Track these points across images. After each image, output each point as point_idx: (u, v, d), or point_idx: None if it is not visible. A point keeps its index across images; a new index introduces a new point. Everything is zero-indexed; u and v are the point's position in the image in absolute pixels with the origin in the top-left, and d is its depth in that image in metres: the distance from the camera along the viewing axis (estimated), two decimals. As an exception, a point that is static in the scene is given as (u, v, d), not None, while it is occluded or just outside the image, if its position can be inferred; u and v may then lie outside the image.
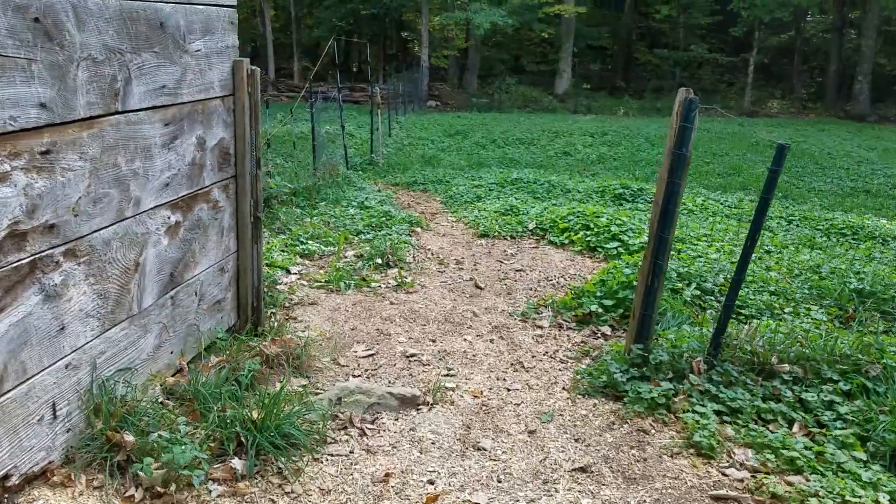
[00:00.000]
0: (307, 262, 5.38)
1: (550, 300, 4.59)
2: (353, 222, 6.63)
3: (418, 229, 6.65)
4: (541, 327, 4.22)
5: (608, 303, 4.37)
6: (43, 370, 2.14)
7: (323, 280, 4.82)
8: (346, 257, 5.47)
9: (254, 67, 3.31)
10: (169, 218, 2.80)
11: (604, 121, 23.07)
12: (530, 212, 7.00)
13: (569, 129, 19.21)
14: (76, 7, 2.12)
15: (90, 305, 2.34)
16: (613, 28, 33.68)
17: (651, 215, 3.33)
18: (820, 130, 22.08)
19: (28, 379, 2.08)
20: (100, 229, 2.36)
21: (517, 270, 5.33)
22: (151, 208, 2.66)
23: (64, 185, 2.16)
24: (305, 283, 4.81)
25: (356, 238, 6.10)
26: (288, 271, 5.03)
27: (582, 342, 4.00)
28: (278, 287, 4.51)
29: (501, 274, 5.24)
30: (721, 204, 8.98)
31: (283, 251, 5.45)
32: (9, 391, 2.02)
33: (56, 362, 2.20)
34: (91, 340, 2.36)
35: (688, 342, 3.48)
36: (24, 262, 2.03)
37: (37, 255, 2.07)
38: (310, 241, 5.71)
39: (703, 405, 3.04)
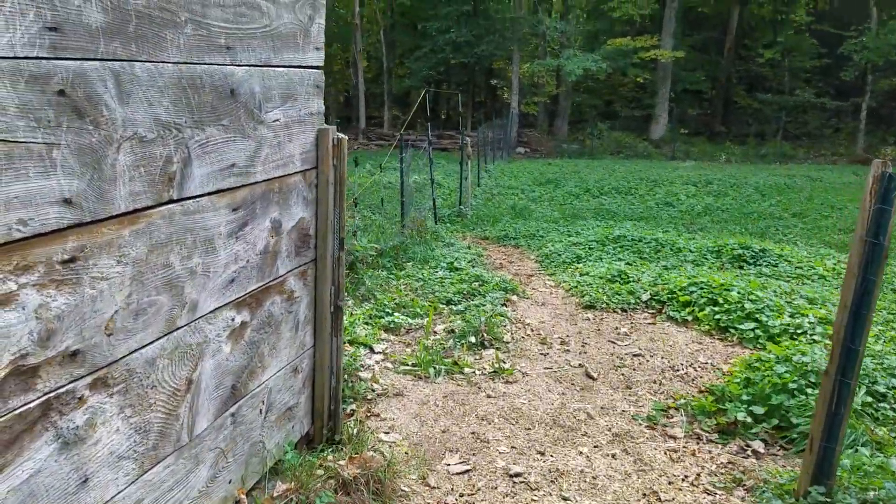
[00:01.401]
0: (393, 337, 4.85)
1: (682, 400, 3.83)
2: (443, 287, 6.09)
3: (514, 297, 6.02)
4: (673, 438, 3.47)
5: (758, 410, 3.56)
6: (56, 540, 1.64)
7: (410, 363, 4.26)
8: (435, 333, 4.90)
9: (340, 136, 2.83)
10: (233, 319, 2.31)
11: (705, 168, 21.86)
12: (642, 278, 6.24)
13: (668, 176, 18.21)
14: (119, 75, 1.67)
15: (124, 445, 1.84)
16: (711, 72, 32.44)
17: (835, 319, 2.58)
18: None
19: (34, 556, 1.59)
20: (142, 347, 1.88)
21: (634, 355, 4.58)
22: (211, 311, 2.18)
23: (94, 300, 1.69)
24: (390, 365, 4.26)
25: (446, 308, 5.54)
26: (372, 349, 4.51)
27: (729, 463, 3.21)
28: (360, 374, 3.98)
29: (616, 359, 4.51)
30: (858, 269, 7.88)
31: (367, 324, 4.95)
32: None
33: (75, 526, 1.70)
34: (124, 489, 1.86)
35: (881, 486, 2.66)
36: (32, 405, 1.55)
37: (51, 394, 1.59)
38: (396, 313, 5.19)
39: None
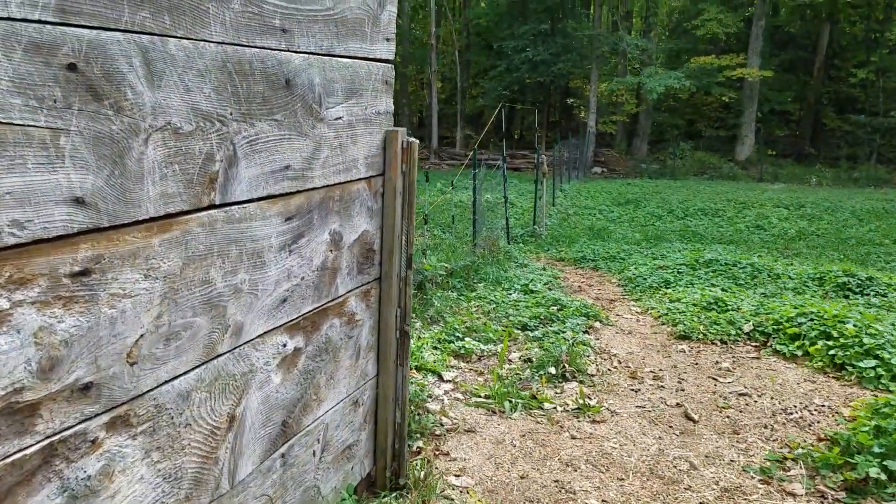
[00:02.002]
0: (463, 364, 4.48)
1: (799, 449, 3.28)
2: (517, 311, 5.68)
3: (596, 323, 5.54)
4: (793, 495, 2.94)
5: (894, 466, 2.99)
6: None
7: (482, 394, 3.87)
8: (510, 361, 4.49)
9: (411, 139, 2.51)
10: (285, 346, 2.00)
11: (795, 191, 20.60)
12: (742, 306, 5.64)
13: (757, 198, 17.19)
14: (147, 52, 1.39)
15: (149, 497, 1.54)
16: (800, 92, 30.87)
17: None
18: None
19: None
20: (174, 378, 1.58)
21: (740, 394, 4.03)
22: (259, 336, 1.87)
23: (113, 322, 1.40)
24: (461, 396, 3.88)
25: (521, 334, 5.13)
26: (441, 377, 4.15)
27: (867, 534, 2.67)
28: (428, 405, 3.62)
29: (719, 399, 3.98)
30: None
31: (435, 348, 4.60)
32: None
33: None
34: (147, 549, 1.56)
35: None
36: (30, 450, 1.26)
37: (55, 437, 1.30)
38: (467, 338, 4.82)
39: None
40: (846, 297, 7.00)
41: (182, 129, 1.52)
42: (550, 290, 6.69)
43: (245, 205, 1.76)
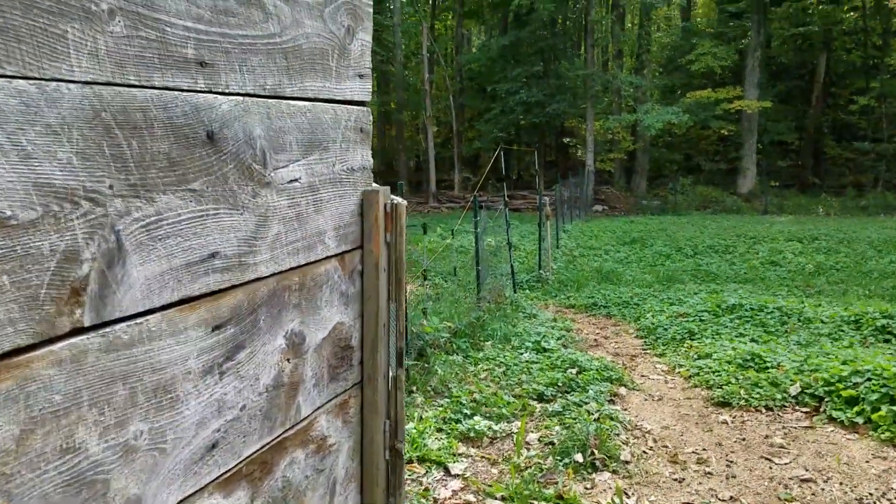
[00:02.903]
0: (473, 450, 3.84)
1: (896, 564, 2.64)
2: (531, 376, 5.07)
3: (622, 389, 4.92)
4: None
5: None
6: None
7: (499, 495, 3.23)
8: (528, 445, 3.86)
9: (397, 200, 1.96)
10: (218, 509, 1.40)
11: (804, 222, 20.08)
12: (783, 363, 5.02)
13: (767, 232, 16.65)
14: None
15: None
16: (799, 122, 30.68)
17: None
18: None
19: None
20: None
21: (803, 480, 3.39)
22: (174, 505, 1.27)
23: None
24: (473, 498, 3.24)
25: (538, 406, 4.50)
26: (447, 471, 3.52)
27: None
28: (435, 514, 2.98)
29: (779, 488, 3.33)
30: None
31: (440, 430, 3.98)
32: None
33: None
34: None
35: None
36: None
37: None
38: (476, 416, 4.20)
39: None
40: (887, 340, 6.39)
41: (14, 219, 0.95)
42: (565, 346, 6.08)
43: (140, 319, 1.18)
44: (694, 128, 28.53)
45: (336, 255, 1.80)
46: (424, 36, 27.51)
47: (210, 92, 1.31)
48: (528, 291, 10.28)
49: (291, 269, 1.60)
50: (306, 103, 1.62)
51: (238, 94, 1.39)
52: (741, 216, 22.96)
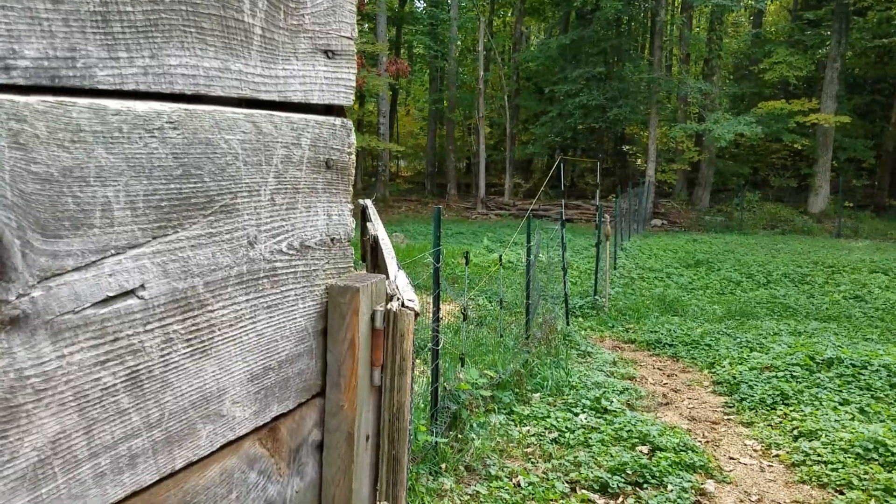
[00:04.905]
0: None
1: None
2: (590, 453, 4.04)
3: (708, 482, 3.84)
4: None
5: None
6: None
7: None
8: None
9: (404, 303, 0.98)
10: None
11: (885, 250, 18.33)
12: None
13: (846, 260, 15.10)
14: None
15: None
16: (877, 139, 28.55)
17: None
18: None
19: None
20: None
21: None
22: None
23: None
24: None
25: (601, 502, 3.47)
26: None
27: None
28: None
29: None
30: None
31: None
32: None
33: None
34: None
35: None
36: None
37: None
38: (523, 518, 3.20)
39: None
40: None
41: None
42: (630, 406, 5.02)
43: None
44: (763, 140, 26.81)
45: (256, 431, 0.84)
46: (481, 32, 26.49)
47: None
48: (581, 320, 9.21)
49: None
50: (166, 107, 0.66)
51: None
52: (813, 238, 21.25)
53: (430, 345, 4.05)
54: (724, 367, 6.60)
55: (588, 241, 16.88)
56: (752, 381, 5.91)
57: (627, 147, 29.09)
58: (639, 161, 29.70)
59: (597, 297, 10.24)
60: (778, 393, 5.50)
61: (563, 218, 8.91)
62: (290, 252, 0.84)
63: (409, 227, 19.84)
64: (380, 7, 24.32)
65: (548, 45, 28.71)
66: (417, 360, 6.33)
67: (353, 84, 0.93)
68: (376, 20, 24.83)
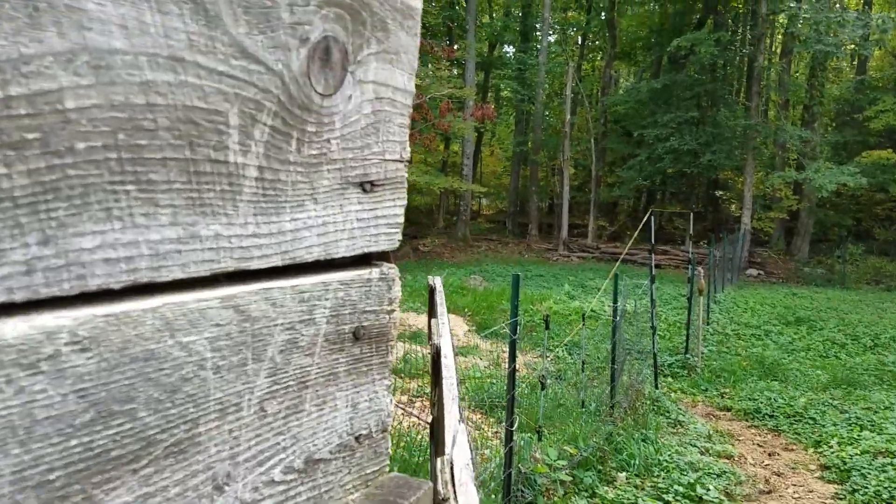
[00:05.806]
0: None
1: None
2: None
3: None
4: None
5: None
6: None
7: None
8: None
9: None
10: None
11: None
12: None
13: (967, 325, 13.65)
14: None
15: None
16: None
17: None
18: None
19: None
20: None
21: None
22: None
23: None
24: None
25: None
26: None
27: None
28: None
29: None
30: None
31: None
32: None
33: None
34: None
35: None
36: None
37: None
38: None
39: None
40: None
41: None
42: (728, 496, 4.50)
43: None
44: (867, 190, 25.08)
45: None
46: (570, 77, 26.29)
47: None
48: (671, 380, 8.62)
49: None
50: (66, 320, 0.41)
51: None
52: (926, 297, 19.48)
53: (504, 423, 3.73)
54: (832, 446, 5.94)
55: (678, 289, 16.06)
56: (864, 467, 5.26)
57: (721, 192, 27.89)
58: (732, 207, 28.40)
59: (688, 355, 9.59)
60: (898, 487, 4.83)
61: (653, 273, 8.40)
62: (289, 477, 0.59)
63: (487, 268, 19.55)
64: (469, 54, 24.57)
65: (638, 90, 28.16)
66: (490, 419, 5.97)
67: (401, 220, 0.69)
68: (465, 66, 25.09)
